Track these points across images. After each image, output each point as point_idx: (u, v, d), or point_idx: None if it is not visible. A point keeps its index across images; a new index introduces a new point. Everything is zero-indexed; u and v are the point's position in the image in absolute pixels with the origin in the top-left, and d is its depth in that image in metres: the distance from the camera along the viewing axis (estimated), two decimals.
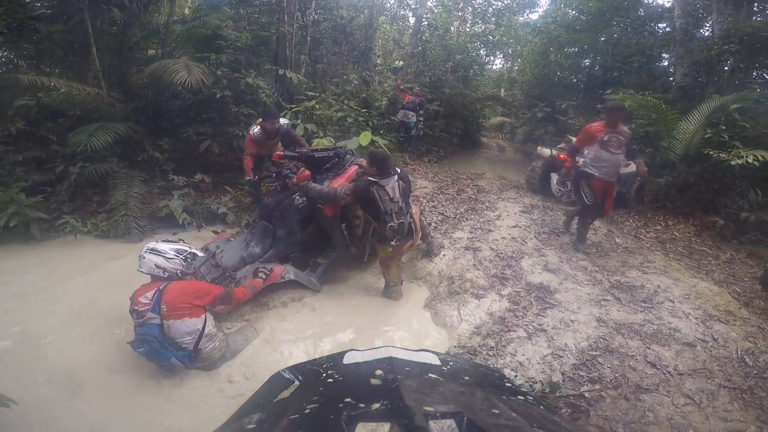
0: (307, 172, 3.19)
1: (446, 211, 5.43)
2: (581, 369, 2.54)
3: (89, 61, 5.02)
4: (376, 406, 0.67)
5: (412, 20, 12.00)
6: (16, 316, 2.83)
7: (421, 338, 2.98)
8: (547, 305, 3.23)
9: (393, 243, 3.04)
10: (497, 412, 0.70)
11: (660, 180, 5.94)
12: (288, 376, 0.93)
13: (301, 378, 0.91)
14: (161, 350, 2.22)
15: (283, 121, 4.35)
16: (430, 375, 0.87)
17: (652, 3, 10.33)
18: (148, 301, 2.26)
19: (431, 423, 0.61)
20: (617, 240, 4.63)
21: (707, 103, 5.59)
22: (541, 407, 0.82)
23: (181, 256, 2.43)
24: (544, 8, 14.17)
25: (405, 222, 3.03)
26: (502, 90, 15.76)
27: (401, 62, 10.05)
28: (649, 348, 2.71)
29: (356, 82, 8.71)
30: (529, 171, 6.78)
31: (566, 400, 2.28)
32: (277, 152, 3.85)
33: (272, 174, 3.69)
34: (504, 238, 4.58)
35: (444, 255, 4.16)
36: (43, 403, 2.20)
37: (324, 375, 0.89)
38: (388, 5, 13.64)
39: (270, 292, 3.21)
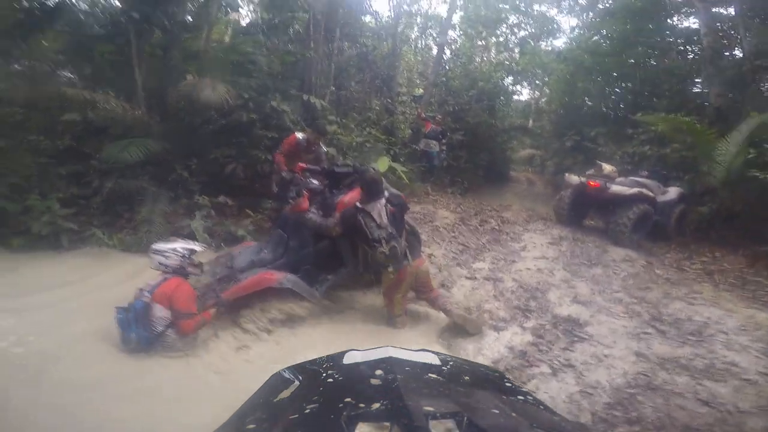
0: (305, 204, 3.39)
1: (467, 242, 5.41)
2: (616, 408, 2.38)
3: (134, 81, 5.55)
4: (376, 406, 0.69)
5: (435, 50, 12.38)
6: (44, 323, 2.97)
7: None
8: (576, 339, 3.11)
9: (389, 269, 3.05)
10: (497, 412, 0.71)
11: (702, 208, 5.71)
12: (288, 376, 0.96)
13: (301, 378, 0.93)
14: (131, 322, 2.66)
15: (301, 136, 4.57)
16: (430, 375, 0.88)
17: (677, 24, 10.20)
18: (151, 285, 2.80)
19: (431, 423, 0.62)
20: (657, 271, 4.46)
21: (746, 123, 5.44)
22: (541, 407, 0.82)
23: (179, 254, 2.90)
24: (568, 34, 14.55)
25: (397, 246, 3.03)
26: (531, 121, 15.86)
27: (420, 90, 10.31)
28: (701, 384, 2.53)
29: (378, 109, 8.99)
30: (556, 200, 6.65)
31: None
32: (300, 164, 4.07)
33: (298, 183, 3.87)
34: (529, 269, 4.50)
35: (462, 285, 4.10)
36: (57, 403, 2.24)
37: (324, 375, 0.92)
38: (412, 36, 14.32)
39: (270, 302, 3.24)
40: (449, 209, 7.00)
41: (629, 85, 10.11)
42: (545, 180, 11.66)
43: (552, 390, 2.54)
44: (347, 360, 0.97)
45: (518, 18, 15.00)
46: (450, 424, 0.64)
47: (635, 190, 5.65)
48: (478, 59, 14.08)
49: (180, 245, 2.97)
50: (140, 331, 2.66)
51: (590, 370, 2.72)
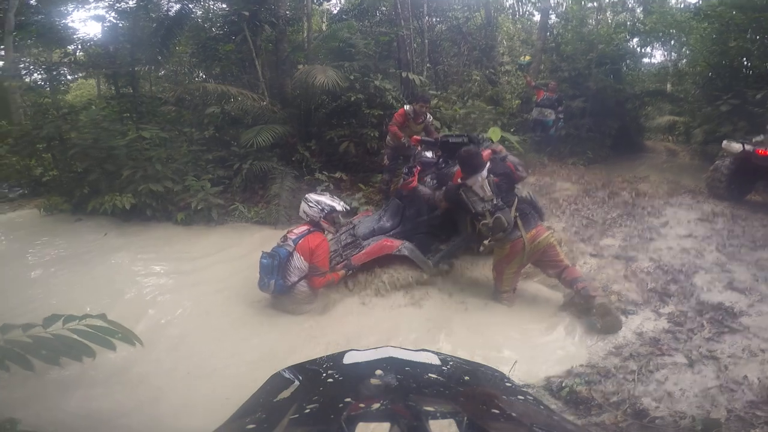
0: (413, 184, 3.66)
1: (593, 215, 5.06)
2: (761, 408, 2.10)
3: (255, 75, 6.66)
4: (376, 406, 0.71)
5: (537, 16, 11.88)
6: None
7: (540, 350, 2.83)
8: (726, 329, 2.78)
9: (495, 237, 3.03)
10: (497, 412, 0.72)
11: None
12: (288, 376, 0.99)
13: (301, 378, 0.97)
14: (273, 269, 2.96)
15: (408, 107, 4.97)
16: (430, 375, 0.90)
17: None
18: (296, 234, 3.12)
19: (431, 423, 0.63)
20: None
21: None
22: (541, 407, 0.82)
23: (319, 207, 3.18)
24: None
25: (503, 218, 2.95)
26: (669, 85, 13.78)
27: (527, 57, 9.87)
28: None
29: (478, 80, 8.90)
30: (711, 171, 5.82)
31: None
32: (415, 137, 4.41)
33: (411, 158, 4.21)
34: (670, 248, 4.08)
35: (585, 262, 3.91)
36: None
37: (324, 375, 0.96)
38: (508, 3, 13.83)
39: (383, 268, 3.56)
40: (570, 181, 6.63)
41: None
42: (691, 150, 10.09)
43: (684, 382, 2.35)
44: (347, 360, 1.01)
45: None
46: (450, 424, 0.64)
47: None
48: (591, 21, 12.86)
49: (326, 200, 3.22)
50: (278, 278, 2.97)
51: (738, 364, 2.44)
